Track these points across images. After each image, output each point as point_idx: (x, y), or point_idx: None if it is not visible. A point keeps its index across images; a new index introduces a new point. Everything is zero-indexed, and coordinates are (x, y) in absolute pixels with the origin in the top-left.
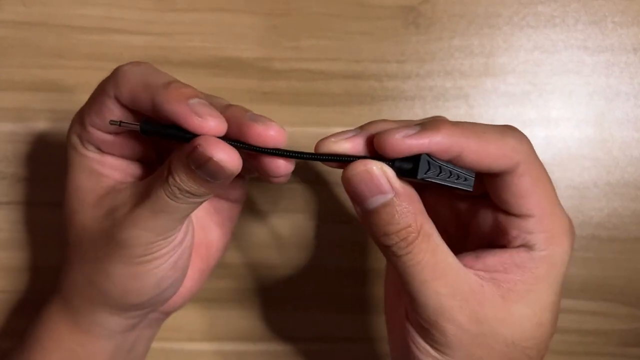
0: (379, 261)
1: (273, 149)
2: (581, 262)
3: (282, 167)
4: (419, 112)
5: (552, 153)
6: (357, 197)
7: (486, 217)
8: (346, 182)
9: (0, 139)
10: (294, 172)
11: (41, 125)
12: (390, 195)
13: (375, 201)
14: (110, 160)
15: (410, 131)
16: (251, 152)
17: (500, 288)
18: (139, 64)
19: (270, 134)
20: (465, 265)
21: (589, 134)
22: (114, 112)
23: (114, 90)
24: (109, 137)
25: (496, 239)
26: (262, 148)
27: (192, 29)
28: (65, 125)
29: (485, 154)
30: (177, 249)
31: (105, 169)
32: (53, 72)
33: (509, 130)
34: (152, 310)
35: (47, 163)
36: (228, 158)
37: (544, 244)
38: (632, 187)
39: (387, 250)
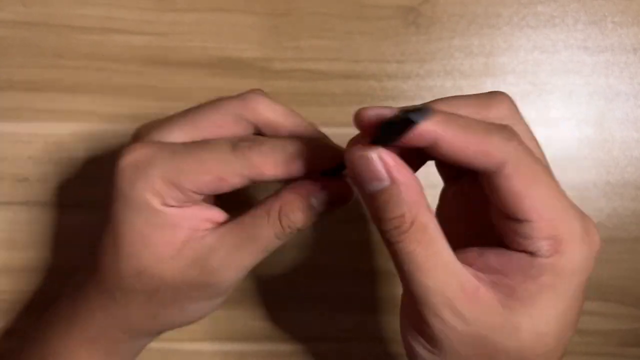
0: (379, 261)
1: None
2: None
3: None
4: None
5: (551, 153)
6: (355, 180)
7: (494, 215)
8: (347, 164)
9: (0, 139)
10: None
11: (41, 125)
12: (386, 183)
13: (372, 187)
14: (189, 211)
15: (387, 110)
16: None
17: (498, 292)
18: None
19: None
20: (466, 261)
21: (588, 134)
22: (238, 186)
23: (250, 172)
24: (206, 196)
25: (503, 239)
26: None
27: (192, 29)
28: (65, 125)
29: (462, 148)
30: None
31: (183, 221)
32: (53, 72)
33: (498, 126)
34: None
35: (47, 163)
36: (348, 193)
37: (547, 251)
38: (632, 187)
39: (383, 236)
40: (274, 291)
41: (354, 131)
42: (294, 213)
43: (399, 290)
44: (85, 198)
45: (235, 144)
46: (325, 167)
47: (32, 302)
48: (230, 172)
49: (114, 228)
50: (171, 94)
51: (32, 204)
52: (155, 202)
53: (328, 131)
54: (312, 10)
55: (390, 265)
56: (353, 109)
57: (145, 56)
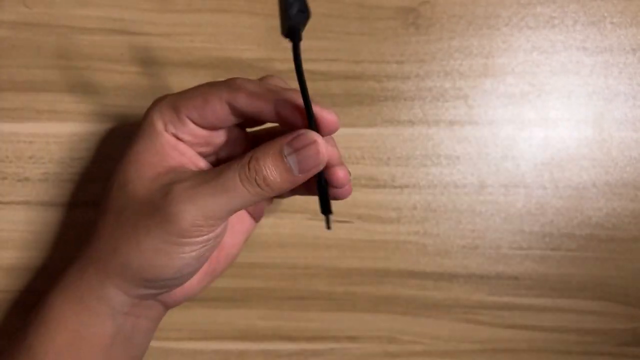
0: (379, 261)
1: None
2: (580, 262)
3: (343, 176)
4: (419, 113)
5: (550, 153)
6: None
7: None
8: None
9: (0, 139)
10: None
11: (42, 125)
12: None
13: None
14: (182, 146)
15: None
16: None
17: None
18: (243, 78)
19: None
20: None
21: (587, 134)
22: (219, 114)
23: (228, 95)
24: (200, 132)
25: None
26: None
27: (192, 29)
28: (66, 126)
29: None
30: (210, 242)
31: (174, 152)
32: (54, 72)
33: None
34: (156, 294)
35: (48, 163)
36: (324, 147)
37: None
38: (630, 187)
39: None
40: (274, 291)
41: (354, 131)
42: (264, 158)
43: (399, 290)
44: (86, 198)
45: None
46: (288, 116)
47: (32, 302)
48: (213, 94)
49: (123, 153)
50: None
51: (33, 203)
52: (159, 125)
53: None
54: (312, 11)
55: (390, 265)
56: (353, 110)
57: (146, 57)
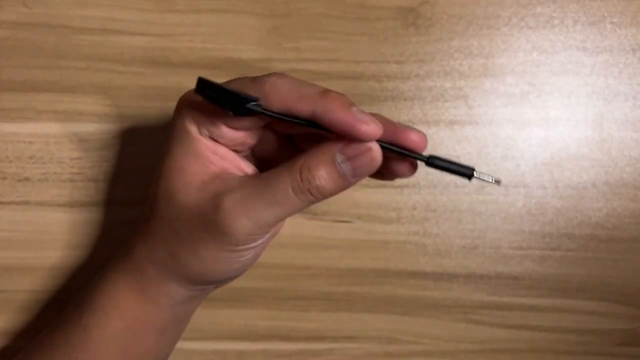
0: (379, 261)
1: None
2: (580, 262)
3: (419, 139)
4: (419, 113)
5: (550, 153)
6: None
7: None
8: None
9: (0, 139)
10: None
11: (42, 126)
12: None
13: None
14: (222, 150)
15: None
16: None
17: None
18: (283, 75)
19: (416, 139)
20: None
21: (587, 134)
22: (252, 118)
23: (262, 99)
24: (235, 134)
25: None
26: (406, 151)
27: (192, 29)
28: (65, 126)
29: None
30: (265, 241)
31: (215, 157)
32: (54, 72)
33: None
34: (217, 286)
35: (48, 163)
36: (379, 153)
37: None
38: (630, 187)
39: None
40: (273, 291)
41: None
42: (316, 167)
43: (398, 290)
44: (86, 198)
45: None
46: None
47: (31, 302)
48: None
49: (161, 159)
50: (172, 95)
51: (33, 203)
52: (193, 130)
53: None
54: (312, 11)
55: (390, 265)
56: (354, 110)
57: (145, 57)
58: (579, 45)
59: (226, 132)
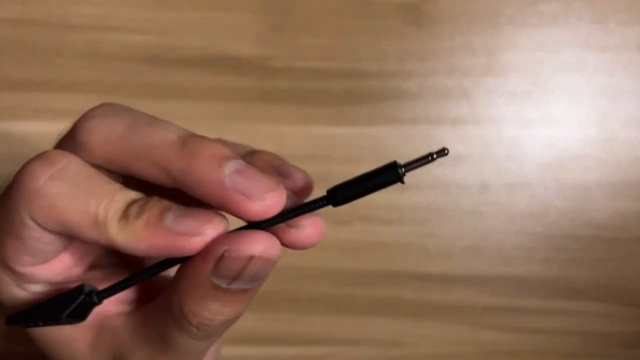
0: (380, 262)
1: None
2: (584, 263)
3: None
4: (420, 112)
5: (554, 153)
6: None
7: None
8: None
9: None
10: None
11: (38, 124)
12: None
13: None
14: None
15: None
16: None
17: None
18: (115, 110)
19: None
20: None
21: (591, 133)
22: (46, 247)
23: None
24: (59, 265)
25: None
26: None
27: (189, 27)
28: (62, 125)
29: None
30: None
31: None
32: (50, 71)
33: None
34: None
35: None
36: (270, 246)
37: None
38: (635, 188)
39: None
40: (272, 293)
41: (355, 130)
42: (200, 308)
43: (400, 292)
44: None
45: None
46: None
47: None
48: (17, 222)
49: None
50: (169, 93)
51: None
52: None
53: (328, 131)
54: (311, 7)
55: (391, 267)
56: (354, 109)
57: (142, 55)
58: (583, 44)
59: (48, 268)
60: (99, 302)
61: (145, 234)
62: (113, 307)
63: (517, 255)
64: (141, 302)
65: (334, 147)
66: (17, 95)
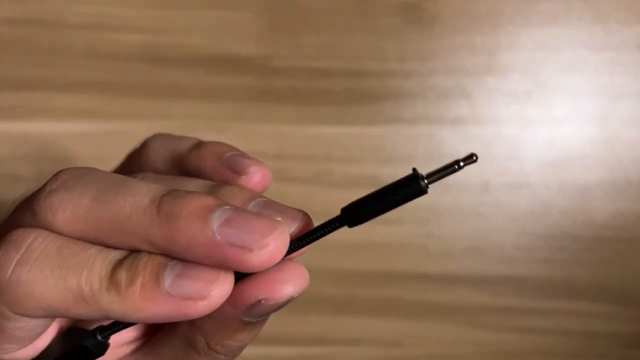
0: (380, 263)
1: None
2: (585, 263)
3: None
4: (421, 112)
5: (555, 153)
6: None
7: None
8: None
9: None
10: (294, 174)
11: (37, 124)
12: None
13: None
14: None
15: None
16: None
17: None
18: (74, 178)
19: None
20: None
21: (592, 133)
22: (33, 331)
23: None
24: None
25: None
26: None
27: (189, 26)
28: (60, 124)
29: None
30: None
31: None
32: (48, 70)
33: None
34: None
35: (43, 162)
36: (303, 280)
37: None
38: (636, 187)
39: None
40: None
41: (355, 130)
42: (224, 338)
43: (401, 292)
44: None
45: None
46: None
47: None
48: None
49: None
50: (168, 92)
51: None
52: None
53: (328, 131)
54: (311, 6)
55: (392, 267)
56: (354, 108)
57: (141, 54)
58: (584, 43)
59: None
60: (105, 338)
61: (144, 303)
62: (114, 352)
63: (517, 255)
64: (143, 338)
65: (334, 147)
66: (15, 94)
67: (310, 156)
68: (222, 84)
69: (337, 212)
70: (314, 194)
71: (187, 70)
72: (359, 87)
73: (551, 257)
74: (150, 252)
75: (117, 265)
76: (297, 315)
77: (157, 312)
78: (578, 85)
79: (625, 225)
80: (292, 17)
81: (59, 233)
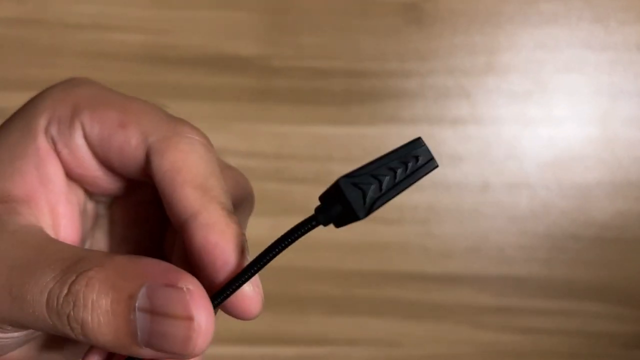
0: (380, 263)
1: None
2: (585, 263)
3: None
4: (421, 111)
5: (555, 152)
6: None
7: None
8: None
9: None
10: (294, 173)
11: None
12: None
13: None
14: (52, 165)
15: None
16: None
17: None
18: None
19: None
20: None
21: (592, 133)
22: (126, 153)
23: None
24: (88, 160)
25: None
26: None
27: (189, 26)
28: None
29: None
30: None
31: (41, 169)
32: (48, 70)
33: None
34: None
35: None
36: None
37: None
38: (636, 187)
39: None
40: (272, 293)
41: (355, 130)
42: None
43: (400, 293)
44: None
45: None
46: None
47: None
48: (135, 128)
49: None
50: (168, 92)
51: None
52: (42, 120)
53: (328, 131)
54: (311, 7)
55: (391, 267)
56: (354, 108)
57: (141, 54)
58: (584, 43)
59: (80, 146)
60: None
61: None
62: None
63: (517, 255)
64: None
65: (334, 147)
66: (15, 95)
67: (310, 156)
68: (222, 84)
69: None
70: (314, 194)
71: (187, 70)
72: (359, 87)
73: (551, 257)
74: None
75: None
76: (297, 315)
77: None
78: (578, 85)
79: (626, 225)
80: (292, 17)
81: None
